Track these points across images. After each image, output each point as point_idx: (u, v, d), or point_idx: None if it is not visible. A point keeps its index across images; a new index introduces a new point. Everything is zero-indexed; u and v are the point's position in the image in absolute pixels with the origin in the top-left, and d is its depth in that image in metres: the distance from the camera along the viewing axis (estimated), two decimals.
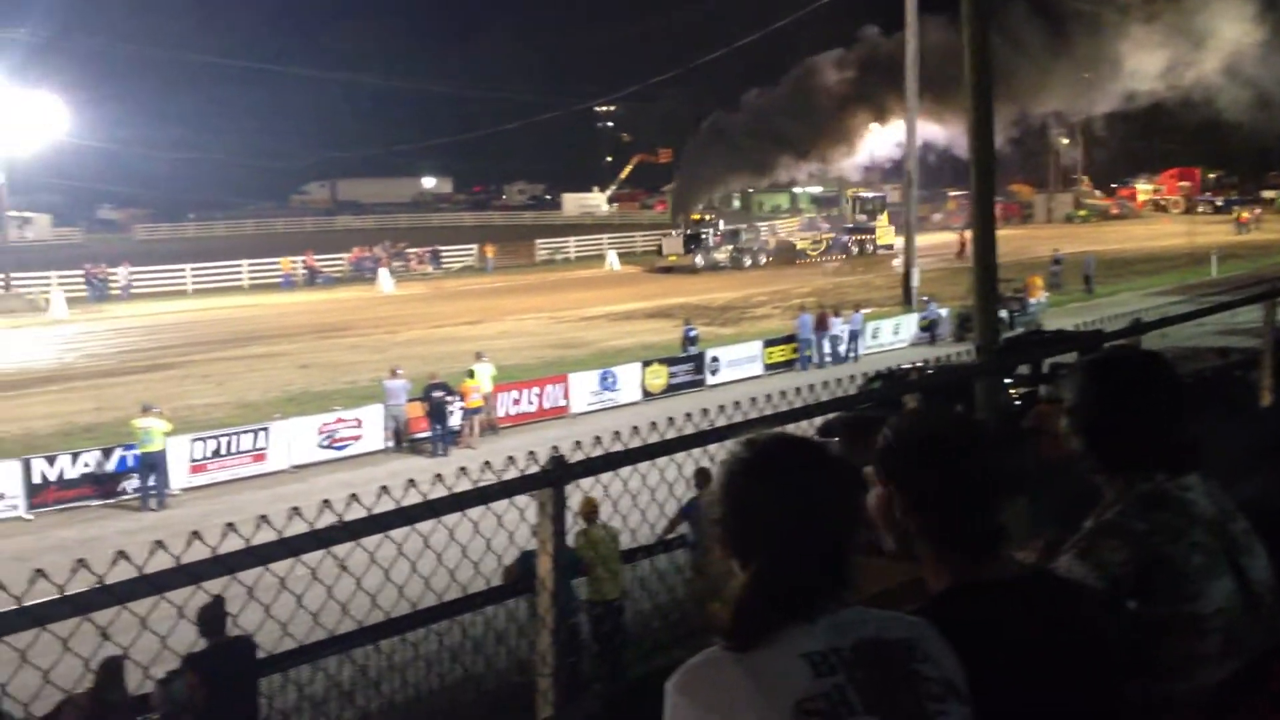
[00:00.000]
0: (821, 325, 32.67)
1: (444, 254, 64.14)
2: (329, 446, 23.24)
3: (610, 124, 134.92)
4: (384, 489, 3.88)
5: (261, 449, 22.42)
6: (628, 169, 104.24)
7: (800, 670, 1.88)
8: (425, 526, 3.93)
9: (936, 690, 1.94)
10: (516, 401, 26.23)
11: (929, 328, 35.55)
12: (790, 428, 3.56)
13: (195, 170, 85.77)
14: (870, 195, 67.94)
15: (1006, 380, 14.69)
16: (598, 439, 4.51)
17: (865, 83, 64.83)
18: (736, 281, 52.70)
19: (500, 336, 37.08)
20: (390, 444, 23.84)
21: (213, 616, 7.48)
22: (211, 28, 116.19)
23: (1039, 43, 58.46)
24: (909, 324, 36.46)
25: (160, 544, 3.30)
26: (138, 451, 20.29)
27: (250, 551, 3.14)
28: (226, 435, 22.36)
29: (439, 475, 4.19)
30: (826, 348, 32.55)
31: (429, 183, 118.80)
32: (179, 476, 21.16)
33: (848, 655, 1.91)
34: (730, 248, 60.01)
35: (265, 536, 3.30)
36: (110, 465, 20.74)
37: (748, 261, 59.80)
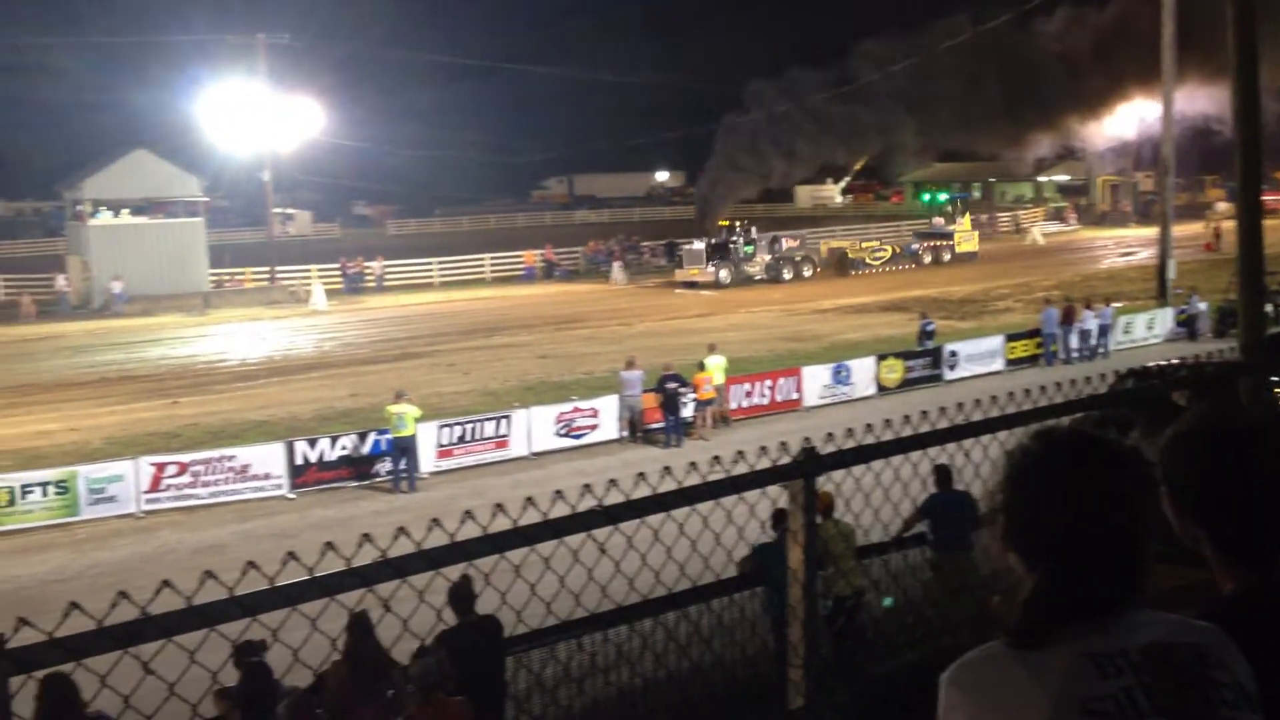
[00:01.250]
0: (1068, 319, 31.36)
1: (679, 247, 64.69)
2: (566, 435, 23.87)
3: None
4: (641, 475, 3.97)
5: (503, 436, 23.23)
6: (862, 160, 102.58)
7: (1086, 671, 1.83)
8: (654, 520, 4.00)
9: (1229, 696, 1.87)
10: (749, 394, 26.27)
11: (1187, 323, 33.63)
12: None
13: (440, 167, 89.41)
14: (951, 195, 63.85)
15: (1273, 378, 13.76)
16: (829, 434, 4.48)
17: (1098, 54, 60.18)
18: (976, 273, 51.22)
19: (732, 329, 37.22)
20: (625, 434, 24.28)
21: (462, 595, 7.82)
22: (452, 29, 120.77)
23: None
24: (1164, 319, 34.56)
25: (403, 530, 3.48)
26: (391, 436, 21.34)
27: (488, 540, 3.26)
28: (471, 422, 23.28)
29: (667, 468, 4.27)
30: (1074, 342, 31.23)
31: (662, 176, 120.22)
32: (427, 460, 22.15)
33: (1136, 658, 1.85)
34: (769, 258, 53.01)
35: (502, 524, 3.43)
36: (365, 449, 21.91)
37: (788, 274, 52.59)
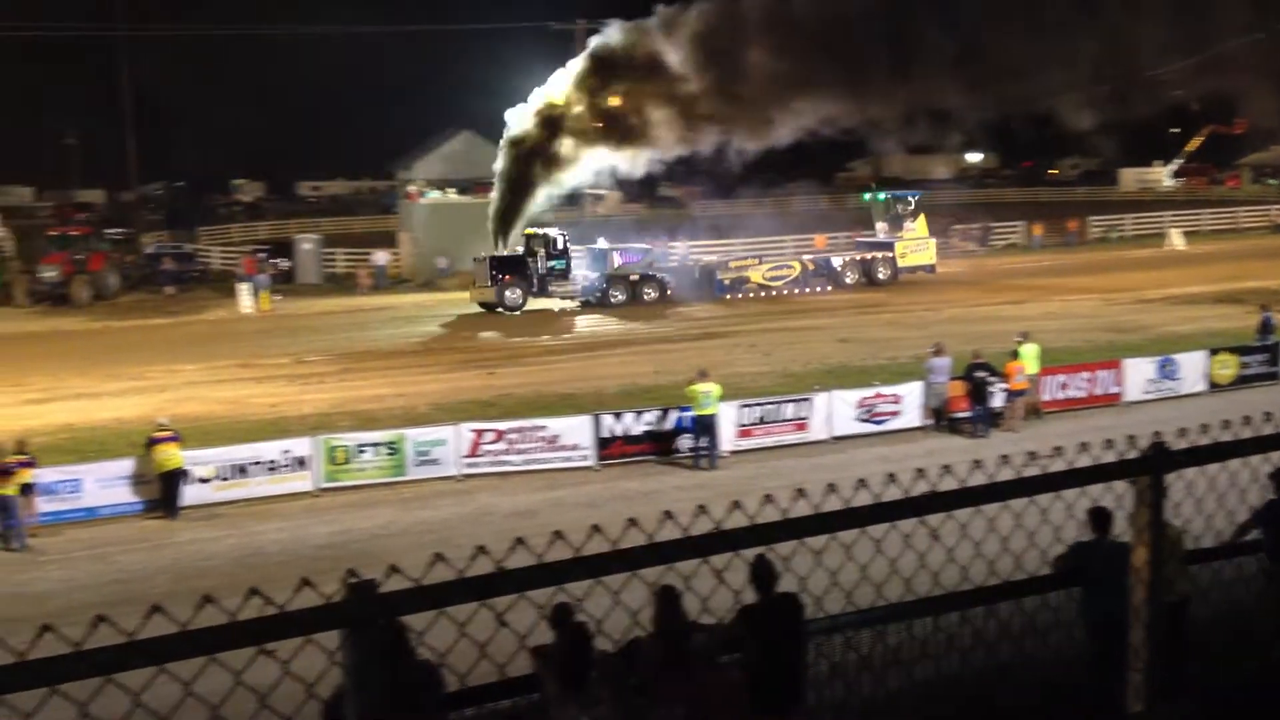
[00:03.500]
0: None
1: (993, 231, 62.54)
2: (868, 420, 23.55)
3: (1178, 91, 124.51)
4: (976, 463, 3.85)
5: (803, 418, 23.18)
6: (1196, 141, 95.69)
7: None
8: (962, 514, 3.86)
9: None
10: (1064, 386, 25.10)
11: None
12: None
13: (748, 151, 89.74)
14: (896, 194, 51.37)
15: None
16: (1156, 432, 4.19)
17: None
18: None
19: (1046, 317, 35.63)
20: (929, 422, 23.71)
21: (763, 573, 7.84)
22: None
23: None
24: None
25: (703, 508, 3.51)
26: (694, 414, 21.71)
27: (785, 525, 3.24)
28: (772, 403, 23.36)
29: (977, 461, 4.11)
30: None
31: (974, 158, 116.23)
32: (728, 439, 22.39)
33: None
34: (594, 275, 43.29)
35: (803, 509, 3.40)
36: (668, 425, 22.38)
37: (618, 296, 42.59)
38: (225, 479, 20.23)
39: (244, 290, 45.26)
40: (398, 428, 22.41)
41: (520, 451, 21.65)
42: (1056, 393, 24.94)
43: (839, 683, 8.90)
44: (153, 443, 19.55)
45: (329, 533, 18.62)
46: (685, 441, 22.15)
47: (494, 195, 46.53)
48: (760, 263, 46.04)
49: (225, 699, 2.80)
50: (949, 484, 3.70)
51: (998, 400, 23.58)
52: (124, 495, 19.62)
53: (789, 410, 23.24)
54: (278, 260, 51.21)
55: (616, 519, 3.41)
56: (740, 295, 43.74)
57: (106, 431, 24.21)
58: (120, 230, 58.84)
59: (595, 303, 42.61)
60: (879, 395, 23.90)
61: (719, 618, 6.80)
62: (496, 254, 43.62)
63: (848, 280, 45.63)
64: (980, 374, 23.11)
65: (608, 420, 22.25)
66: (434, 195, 52.27)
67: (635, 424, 22.34)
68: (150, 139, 69.59)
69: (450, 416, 23.65)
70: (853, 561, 4.60)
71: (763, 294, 44.08)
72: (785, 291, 44.32)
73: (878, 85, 45.19)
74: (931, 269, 48.26)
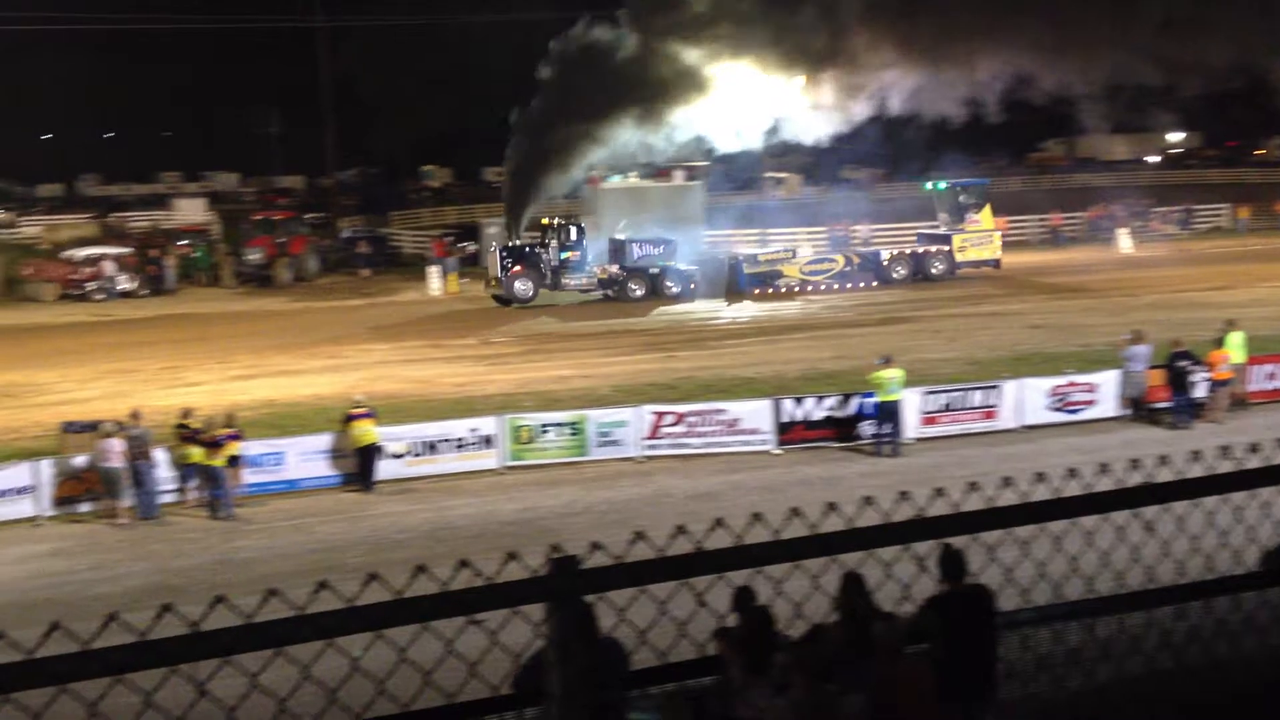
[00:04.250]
0: None
1: (1195, 213, 59.60)
2: (1060, 409, 22.79)
3: None
4: (1163, 459, 3.69)
5: (992, 406, 22.58)
6: None
7: None
8: (1179, 506, 3.68)
9: None
10: (1271, 376, 23.78)
11: None
12: None
13: (935, 132, 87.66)
14: (959, 183, 47.07)
15: None
16: None
17: None
18: None
19: (1253, 304, 33.74)
20: (1126, 412, 22.79)
21: (952, 562, 7.68)
22: None
23: None
24: None
25: (869, 500, 3.44)
26: (877, 400, 21.39)
27: (994, 513, 3.15)
28: (958, 390, 22.83)
29: (1163, 457, 3.93)
30: None
31: (1175, 137, 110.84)
32: (911, 426, 21.99)
33: None
34: (615, 268, 41.05)
35: (981, 501, 3.29)
36: (849, 410, 22.10)
37: (637, 290, 40.38)
38: (417, 455, 20.93)
39: (433, 273, 46.59)
40: (580, 408, 22.76)
41: (700, 434, 21.72)
42: (1264, 383, 23.65)
43: (1045, 676, 8.68)
44: (350, 419, 20.35)
45: (515, 509, 19.07)
46: (867, 428, 21.85)
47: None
48: (795, 256, 43.16)
49: (436, 666, 2.89)
50: (1136, 479, 3.56)
51: (1200, 390, 22.50)
52: (323, 469, 20.50)
53: (976, 397, 22.67)
54: (465, 244, 52.56)
55: (797, 504, 3.38)
56: (771, 290, 41.00)
57: (306, 407, 25.32)
58: (319, 215, 61.39)
59: (614, 296, 40.59)
60: (1072, 383, 23.09)
61: (897, 608, 6.70)
62: (508, 244, 42.04)
63: (896, 275, 42.41)
64: (1182, 363, 22.09)
65: (788, 405, 22.12)
66: (615, 180, 52.78)
67: (816, 409, 22.14)
68: (347, 127, 72.38)
69: (631, 398, 23.90)
70: (1029, 559, 4.46)
71: (806, 289, 41.46)
72: (824, 287, 41.54)
73: (1081, 43, 42.43)
74: (996, 264, 43.94)
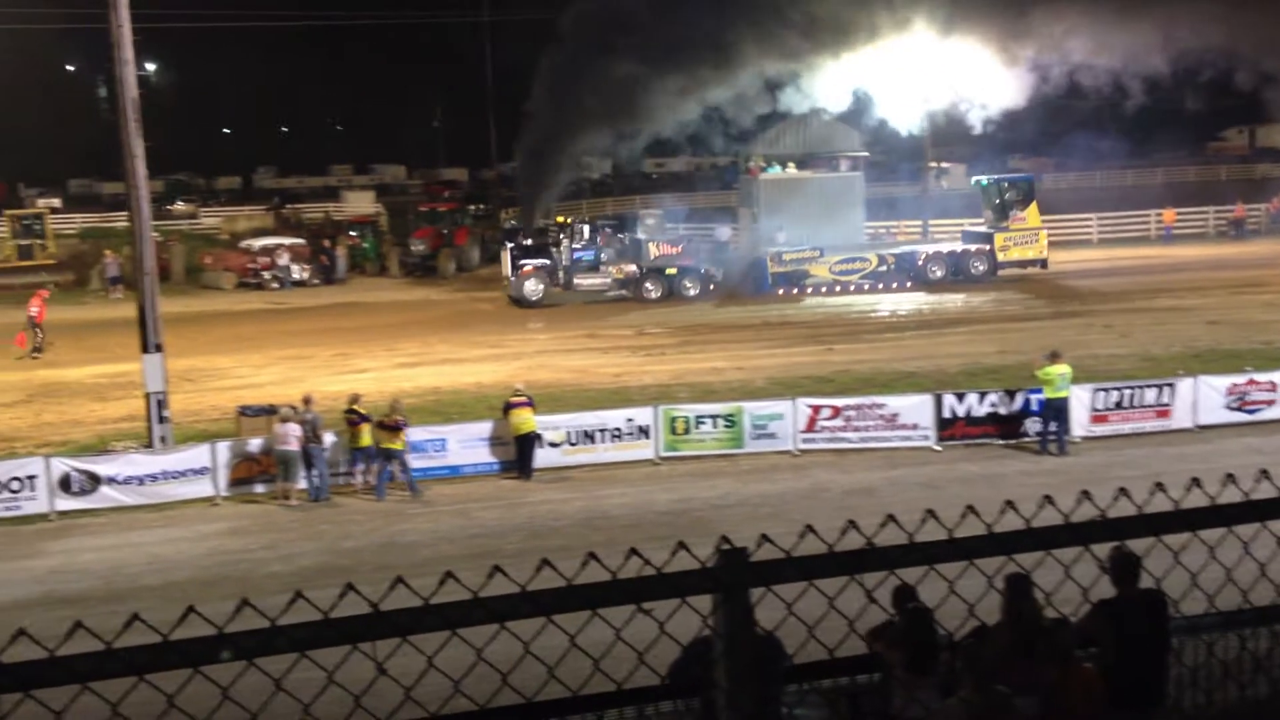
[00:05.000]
0: None
1: None
2: (1238, 409, 21.79)
3: None
4: None
5: (1165, 405, 21.71)
6: None
7: None
8: None
9: None
10: None
11: None
12: None
13: (1104, 119, 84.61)
14: (1004, 178, 43.94)
15: None
16: None
17: None
18: None
19: None
20: None
21: (1124, 566, 7.41)
22: None
23: None
24: None
25: (1049, 499, 3.30)
26: (1044, 397, 20.77)
27: (1180, 515, 3.02)
28: (1130, 388, 22.01)
29: None
30: None
31: None
32: (1079, 424, 21.30)
33: None
34: (632, 267, 39.96)
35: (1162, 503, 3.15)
36: (1013, 407, 21.53)
37: (654, 292, 39.24)
38: (574, 444, 21.19)
39: None
40: (735, 400, 22.70)
41: (857, 428, 21.44)
42: None
43: (1232, 685, 8.32)
44: (509, 407, 20.73)
45: (670, 500, 19.14)
46: (1033, 425, 21.25)
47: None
48: (822, 255, 40.93)
49: (605, 653, 2.91)
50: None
51: None
52: (483, 455, 20.94)
53: (1149, 395, 21.81)
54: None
55: (957, 501, 3.28)
56: (798, 291, 39.67)
57: (468, 395, 25.90)
58: (481, 206, 62.62)
59: (631, 297, 39.71)
60: (1251, 382, 22.04)
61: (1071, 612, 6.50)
62: (519, 243, 40.86)
63: (933, 276, 40.71)
64: None
65: (949, 400, 21.67)
66: (774, 170, 52.43)
67: (978, 405, 21.63)
68: (509, 119, 73.57)
69: (787, 391, 23.75)
70: (1216, 561, 4.25)
71: (835, 290, 40.00)
72: (854, 288, 40.13)
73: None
74: (1043, 264, 42.23)
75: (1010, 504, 2.98)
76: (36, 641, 2.46)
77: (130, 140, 20.66)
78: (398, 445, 19.86)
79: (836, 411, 21.52)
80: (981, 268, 41.55)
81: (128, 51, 20.67)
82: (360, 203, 74.62)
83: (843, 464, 20.71)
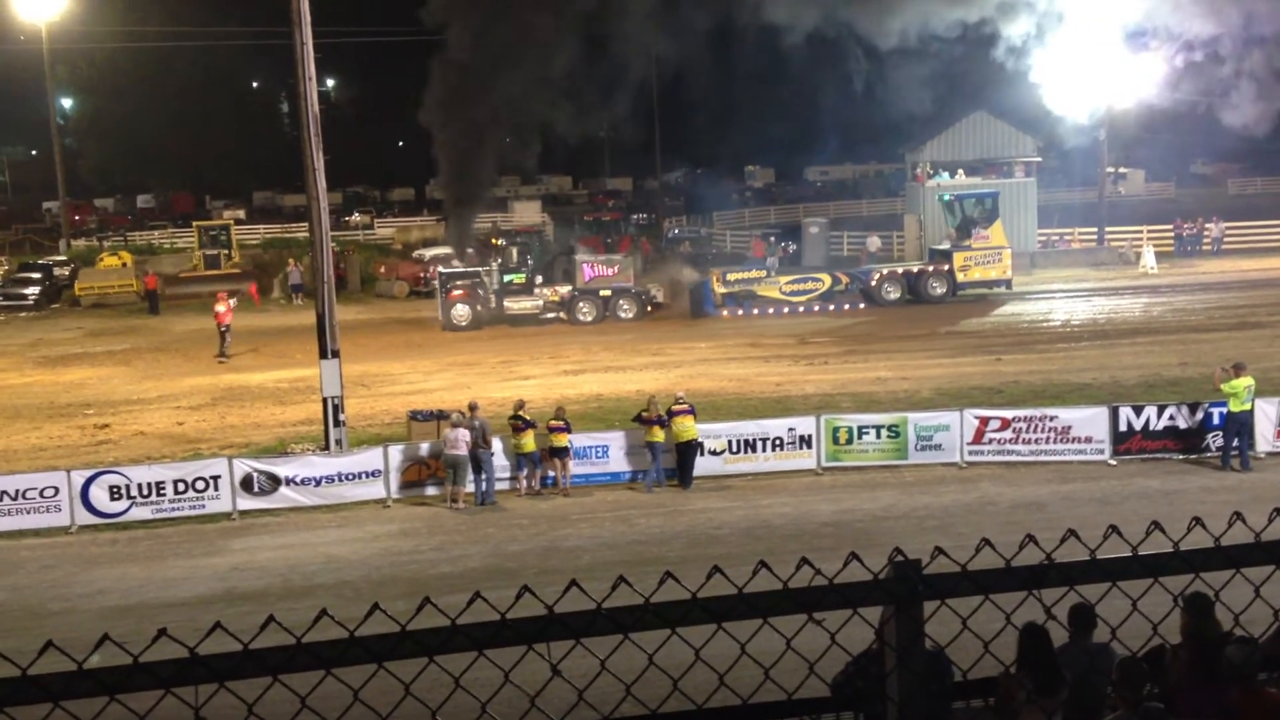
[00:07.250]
0: None
1: None
2: None
3: None
4: None
5: None
6: None
7: None
8: None
9: None
10: None
11: None
12: None
13: None
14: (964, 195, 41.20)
15: None
16: None
17: None
18: None
19: None
20: None
21: None
22: None
23: None
24: None
25: (1238, 515, 3.15)
26: (1229, 410, 19.86)
27: None
28: None
29: None
30: None
31: None
32: (1264, 439, 20.31)
33: None
34: (566, 290, 39.04)
35: None
36: (1194, 420, 20.64)
37: (586, 315, 38.30)
38: (735, 453, 21.16)
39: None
40: (899, 411, 22.34)
41: (1027, 441, 20.86)
42: None
43: None
44: (671, 415, 20.82)
45: (831, 511, 18.94)
46: (1215, 439, 20.33)
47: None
48: (771, 275, 40.18)
49: (732, 665, 2.91)
50: None
51: None
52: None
53: None
54: (786, 243, 52.69)
55: (1134, 518, 3.17)
56: (742, 312, 38.59)
57: (630, 403, 26.11)
58: (645, 215, 63.16)
59: (565, 320, 39.06)
60: None
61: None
62: (447, 269, 40.94)
63: (889, 297, 39.47)
64: None
65: (1125, 413, 20.90)
66: (943, 178, 51.46)
67: (1157, 418, 20.79)
68: (672, 130, 74.08)
69: (954, 402, 23.26)
70: None
71: (783, 311, 38.85)
72: (803, 309, 38.97)
73: None
74: (1007, 285, 40.45)
75: (1198, 520, 2.86)
76: (231, 634, 2.59)
77: (311, 154, 21.49)
78: (563, 441, 20.33)
79: (1005, 423, 20.97)
80: (940, 289, 40.05)
81: (310, 68, 21.52)
82: (527, 213, 76.11)
83: (1011, 477, 20.17)
